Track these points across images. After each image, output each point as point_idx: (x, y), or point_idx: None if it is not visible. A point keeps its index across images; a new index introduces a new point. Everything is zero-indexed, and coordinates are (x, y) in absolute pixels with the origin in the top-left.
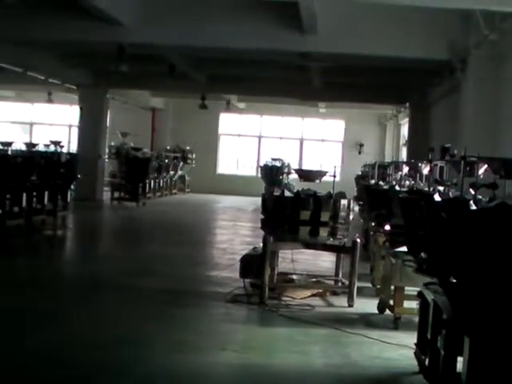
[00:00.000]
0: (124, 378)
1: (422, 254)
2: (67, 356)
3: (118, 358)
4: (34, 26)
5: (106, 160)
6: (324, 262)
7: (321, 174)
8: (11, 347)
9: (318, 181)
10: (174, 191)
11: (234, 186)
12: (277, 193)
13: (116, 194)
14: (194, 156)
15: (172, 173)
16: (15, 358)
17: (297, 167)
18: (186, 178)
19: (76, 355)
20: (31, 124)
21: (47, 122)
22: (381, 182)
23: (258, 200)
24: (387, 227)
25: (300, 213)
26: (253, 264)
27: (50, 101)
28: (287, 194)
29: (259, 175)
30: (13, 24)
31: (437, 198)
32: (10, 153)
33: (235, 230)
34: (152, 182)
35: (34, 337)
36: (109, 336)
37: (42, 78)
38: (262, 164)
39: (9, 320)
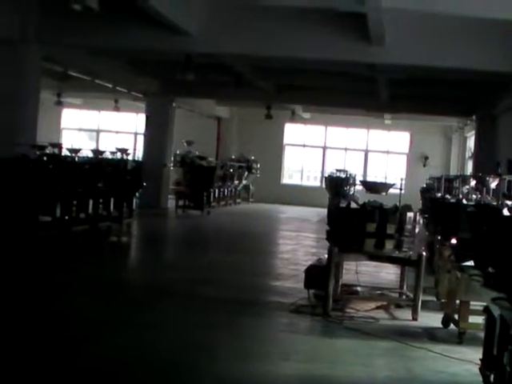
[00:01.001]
0: None
1: (490, 269)
2: (138, 362)
3: (186, 365)
4: (104, 34)
5: (171, 168)
6: (388, 274)
7: (387, 186)
8: (81, 355)
9: (384, 193)
10: (238, 200)
11: (298, 196)
12: (343, 204)
13: (180, 203)
14: (258, 166)
15: (236, 182)
16: (84, 363)
17: (361, 179)
18: (251, 187)
19: (147, 361)
20: (98, 131)
21: (113, 130)
22: (447, 196)
23: (322, 211)
24: (453, 241)
25: (366, 225)
26: (317, 275)
27: (116, 109)
28: (353, 205)
29: (323, 186)
30: (83, 32)
31: (505, 212)
32: (77, 160)
33: (299, 240)
34: (216, 190)
35: (103, 343)
36: (176, 342)
37: (110, 85)
38: (326, 175)
39: (79, 327)
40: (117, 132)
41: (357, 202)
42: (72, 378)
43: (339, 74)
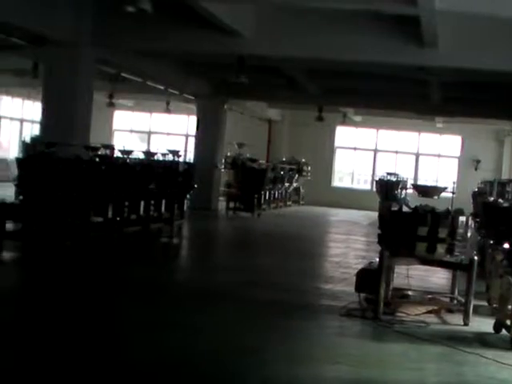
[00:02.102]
0: None
1: None
2: (187, 365)
3: (235, 368)
4: (157, 37)
5: (222, 170)
6: (439, 278)
7: (439, 189)
8: (132, 355)
9: (436, 197)
10: (288, 203)
11: (348, 199)
12: (395, 208)
13: (231, 204)
14: (309, 168)
15: (287, 185)
16: (136, 365)
17: (412, 182)
18: (301, 190)
19: (195, 364)
20: (149, 133)
21: (165, 132)
22: (500, 200)
23: (373, 214)
24: (506, 245)
25: (418, 229)
26: (369, 278)
27: (167, 110)
28: (405, 209)
29: (374, 189)
30: (136, 34)
31: None
32: (129, 161)
33: (349, 243)
34: (267, 193)
35: (155, 345)
36: (226, 345)
37: (161, 87)
38: (377, 178)
39: (129, 328)
40: (168, 134)
41: (408, 206)
42: (120, 380)
43: (391, 77)
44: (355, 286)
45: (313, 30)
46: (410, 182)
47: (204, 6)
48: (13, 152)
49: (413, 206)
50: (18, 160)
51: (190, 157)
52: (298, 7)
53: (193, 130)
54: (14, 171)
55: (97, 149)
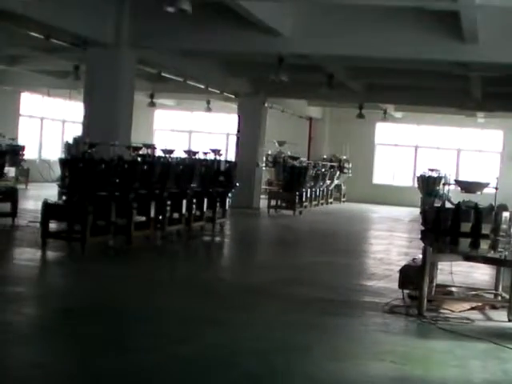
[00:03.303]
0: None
1: None
2: (232, 361)
3: (280, 365)
4: (197, 36)
5: (264, 168)
6: (482, 275)
7: (482, 185)
8: (178, 352)
9: (478, 192)
10: (329, 200)
11: (389, 195)
12: (437, 204)
13: (273, 202)
14: (350, 165)
15: (328, 182)
16: (182, 362)
17: (454, 178)
18: (342, 187)
19: (240, 361)
20: (190, 132)
21: (205, 131)
22: None
23: (415, 210)
24: None
25: (461, 225)
26: (412, 275)
27: (208, 109)
28: (448, 205)
29: (415, 185)
30: (176, 34)
31: None
32: (171, 160)
33: (391, 240)
34: (308, 190)
35: (199, 342)
36: (270, 342)
37: (202, 86)
38: (418, 174)
39: (173, 325)
40: (209, 133)
41: (451, 202)
42: (166, 376)
43: (431, 73)
44: (398, 282)
45: (352, 28)
46: (451, 178)
47: (243, 6)
48: (55, 153)
49: (455, 202)
50: (61, 160)
51: (231, 155)
52: (338, 4)
53: (233, 129)
54: (57, 172)
55: (139, 148)
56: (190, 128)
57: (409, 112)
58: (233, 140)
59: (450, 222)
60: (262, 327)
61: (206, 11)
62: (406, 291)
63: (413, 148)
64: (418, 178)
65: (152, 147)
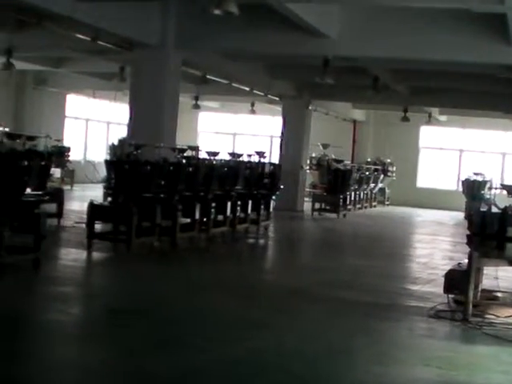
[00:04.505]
0: None
1: None
2: (276, 365)
3: (325, 369)
4: (243, 39)
5: (307, 171)
6: None
7: None
8: (223, 354)
9: None
10: (373, 204)
11: (433, 199)
12: (483, 209)
13: (317, 205)
14: (394, 169)
15: (372, 185)
16: (228, 365)
17: (498, 182)
18: (386, 190)
19: (285, 365)
20: (234, 134)
21: (249, 133)
22: None
23: (459, 214)
24: None
25: (507, 229)
26: (458, 280)
27: (252, 112)
28: (494, 209)
29: (460, 189)
30: (221, 36)
31: None
32: (215, 163)
33: (435, 244)
34: (352, 193)
35: (245, 344)
36: (315, 345)
37: (247, 89)
38: (463, 178)
39: (217, 327)
40: (253, 135)
41: (497, 206)
42: (214, 377)
43: (477, 76)
44: (444, 287)
45: (398, 30)
46: (496, 182)
47: (289, 8)
48: (100, 154)
49: (501, 206)
50: (106, 162)
51: (274, 158)
52: (384, 7)
53: (277, 131)
54: (101, 173)
55: (184, 150)
56: (233, 130)
57: (453, 115)
58: (276, 142)
59: (496, 227)
60: (307, 330)
61: (252, 13)
62: (451, 296)
63: (457, 151)
64: (462, 181)
65: (196, 149)
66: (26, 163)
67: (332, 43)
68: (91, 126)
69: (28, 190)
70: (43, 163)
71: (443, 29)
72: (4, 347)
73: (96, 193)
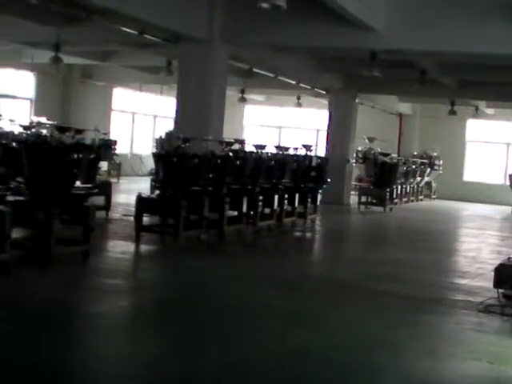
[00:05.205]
0: (379, 380)
1: None
2: (321, 358)
3: (371, 362)
4: (289, 32)
5: (354, 164)
6: None
7: None
8: (270, 347)
9: None
10: (420, 197)
11: (480, 193)
12: None
13: (363, 199)
14: (441, 162)
15: (419, 179)
16: (276, 357)
17: None
18: (433, 184)
19: (330, 358)
20: (280, 127)
21: (295, 126)
22: None
23: (506, 209)
24: None
25: None
26: (508, 274)
27: (298, 105)
28: None
29: (507, 183)
30: (268, 30)
31: None
32: (262, 156)
33: (483, 238)
34: (399, 187)
35: (293, 337)
36: (362, 339)
37: (293, 82)
38: (510, 172)
39: (262, 320)
40: (299, 128)
41: None
42: (263, 371)
43: None
44: (493, 281)
45: (446, 23)
46: None
47: (336, 1)
48: (146, 147)
49: None
50: (154, 155)
51: (320, 151)
52: (431, 1)
53: (324, 125)
54: (148, 166)
55: (231, 144)
56: (279, 123)
57: (501, 108)
58: (323, 136)
59: None
60: (354, 323)
61: (298, 7)
62: (500, 290)
63: (504, 145)
64: (509, 175)
65: (243, 142)
66: (75, 156)
67: (379, 36)
68: (137, 119)
69: (77, 183)
70: (92, 156)
71: (492, 21)
72: (56, 339)
73: (142, 186)
